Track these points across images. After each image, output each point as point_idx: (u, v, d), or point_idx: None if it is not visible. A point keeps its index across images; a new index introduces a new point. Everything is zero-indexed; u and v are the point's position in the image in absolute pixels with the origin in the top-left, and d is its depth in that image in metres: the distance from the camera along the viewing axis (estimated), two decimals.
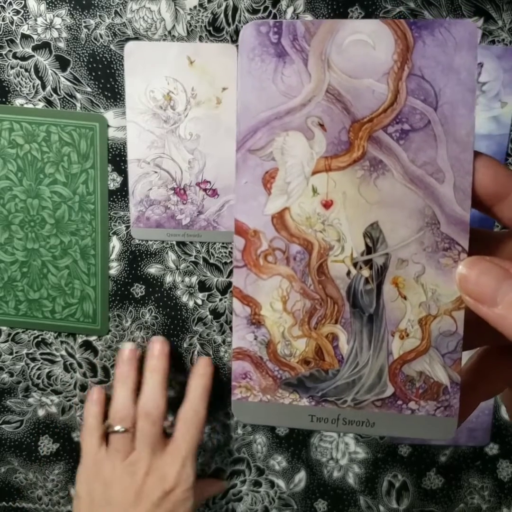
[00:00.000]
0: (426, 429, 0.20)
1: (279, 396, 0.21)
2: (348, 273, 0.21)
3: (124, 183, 0.56)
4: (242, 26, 0.51)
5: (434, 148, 0.19)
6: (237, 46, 0.51)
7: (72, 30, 0.52)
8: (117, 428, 0.50)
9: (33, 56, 0.53)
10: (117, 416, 0.50)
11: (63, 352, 0.60)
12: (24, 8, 0.52)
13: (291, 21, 0.20)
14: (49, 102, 0.54)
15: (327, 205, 0.20)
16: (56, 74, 0.54)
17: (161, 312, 0.59)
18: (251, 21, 0.19)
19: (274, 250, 0.20)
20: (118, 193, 0.56)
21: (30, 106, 0.54)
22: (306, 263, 0.21)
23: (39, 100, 0.54)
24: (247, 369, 0.21)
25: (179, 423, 0.51)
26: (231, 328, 0.22)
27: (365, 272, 0.20)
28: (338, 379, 0.21)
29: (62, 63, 0.53)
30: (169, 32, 0.52)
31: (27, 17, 0.52)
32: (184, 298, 0.58)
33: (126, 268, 0.58)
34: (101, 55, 0.53)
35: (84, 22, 0.52)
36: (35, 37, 0.53)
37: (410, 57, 0.19)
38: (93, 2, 0.52)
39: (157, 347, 0.54)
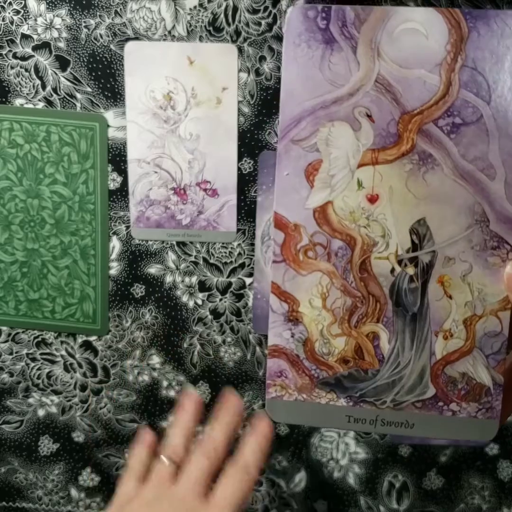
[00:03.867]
0: (466, 431, 0.20)
1: (315, 395, 0.20)
2: (392, 270, 0.20)
3: (124, 183, 0.56)
4: (242, 27, 0.51)
5: (486, 143, 0.18)
6: (237, 46, 0.51)
7: (72, 30, 0.52)
8: (164, 458, 0.42)
9: (33, 56, 0.53)
10: (168, 450, 0.43)
11: (63, 352, 0.60)
12: (24, 8, 0.52)
13: (341, 7, 0.19)
14: (49, 102, 0.54)
15: (372, 199, 0.20)
16: (56, 74, 0.54)
17: (161, 312, 0.59)
18: (297, 5, 0.18)
19: (315, 245, 0.20)
20: (118, 193, 0.56)
21: (30, 106, 0.54)
22: (348, 259, 0.20)
23: (39, 100, 0.54)
24: (283, 367, 0.20)
25: (227, 479, 0.40)
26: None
27: (410, 270, 0.20)
28: (378, 379, 0.20)
29: (62, 63, 0.53)
30: (169, 32, 0.52)
31: (27, 17, 0.52)
32: (184, 298, 0.58)
33: (126, 268, 0.58)
34: (101, 55, 0.53)
35: (84, 22, 0.52)
36: (35, 37, 0.53)
37: (464, 48, 0.18)
38: (93, 2, 0.52)
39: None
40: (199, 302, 0.58)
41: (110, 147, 0.55)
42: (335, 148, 0.20)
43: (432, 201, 0.19)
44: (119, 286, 0.58)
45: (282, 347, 0.20)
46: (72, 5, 0.52)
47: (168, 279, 0.58)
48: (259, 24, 0.51)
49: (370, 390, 0.20)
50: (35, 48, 0.53)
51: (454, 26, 0.18)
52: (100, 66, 0.53)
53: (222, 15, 0.51)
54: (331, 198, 0.19)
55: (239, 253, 0.57)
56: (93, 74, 0.53)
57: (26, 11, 0.52)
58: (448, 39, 0.18)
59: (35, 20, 0.52)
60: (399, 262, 0.20)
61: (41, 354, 0.60)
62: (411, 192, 0.19)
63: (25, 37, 0.53)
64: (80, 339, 0.60)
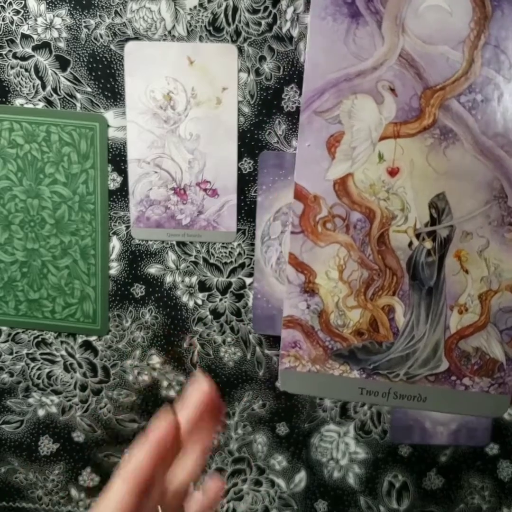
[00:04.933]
0: (478, 406, 0.20)
1: (329, 367, 0.20)
2: (410, 244, 0.20)
3: (124, 183, 0.56)
4: (242, 27, 0.51)
5: (506, 120, 0.18)
6: (237, 46, 0.51)
7: (72, 30, 0.52)
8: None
9: (33, 56, 0.53)
10: None
11: (63, 352, 0.60)
12: (24, 8, 0.52)
13: None
14: (49, 102, 0.54)
15: (393, 172, 0.19)
16: (56, 74, 0.54)
17: (161, 312, 0.59)
18: None
19: (334, 217, 0.20)
20: (118, 193, 0.56)
21: (30, 106, 0.54)
22: (367, 232, 0.20)
23: (39, 100, 0.54)
24: (297, 338, 0.20)
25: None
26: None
27: (428, 244, 0.20)
28: (392, 352, 0.20)
29: (62, 63, 0.53)
30: (169, 32, 0.52)
31: (27, 17, 0.52)
32: (184, 298, 0.58)
33: (126, 268, 0.58)
34: (101, 55, 0.53)
35: (84, 22, 0.52)
36: (35, 37, 0.53)
37: (488, 26, 0.18)
38: (93, 2, 0.52)
39: None
40: (199, 302, 0.58)
41: (110, 147, 0.55)
42: (358, 120, 0.20)
43: (452, 176, 0.19)
44: (119, 286, 0.58)
45: (297, 318, 0.21)
46: (72, 5, 0.52)
47: (168, 279, 0.58)
48: (259, 24, 0.51)
49: (383, 363, 0.21)
50: (35, 48, 0.53)
51: (478, 4, 0.18)
52: (100, 66, 0.53)
53: (222, 15, 0.51)
54: (352, 170, 0.20)
55: (239, 253, 0.57)
56: (93, 74, 0.53)
57: (26, 11, 0.52)
58: (472, 17, 0.18)
59: (35, 20, 0.52)
60: (417, 236, 0.20)
61: (41, 354, 0.60)
62: (432, 167, 0.19)
63: (25, 37, 0.53)
64: (80, 339, 0.60)
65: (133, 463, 0.24)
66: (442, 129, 0.18)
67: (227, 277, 0.57)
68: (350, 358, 0.21)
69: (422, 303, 0.20)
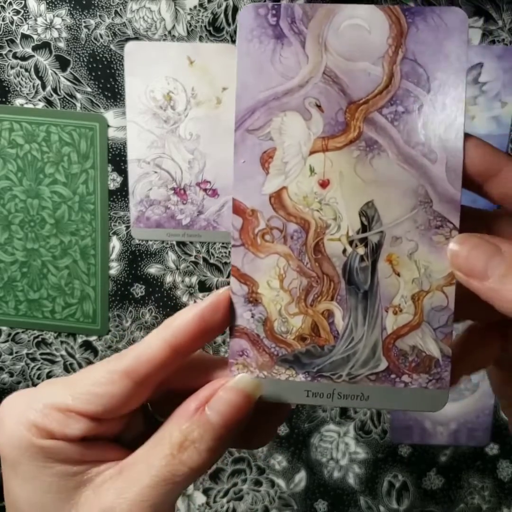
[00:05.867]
0: (418, 402, 0.21)
1: (275, 372, 0.21)
2: (344, 251, 0.21)
3: (124, 183, 0.56)
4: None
5: (427, 129, 0.20)
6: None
7: (72, 30, 0.52)
8: None
9: (33, 56, 0.53)
10: None
11: (63, 352, 0.60)
12: (24, 8, 0.52)
13: (289, 4, 0.20)
14: (49, 102, 0.54)
15: (324, 184, 0.21)
16: (56, 74, 0.54)
17: (161, 312, 0.59)
18: (249, 4, 0.19)
19: (272, 229, 0.21)
20: (118, 193, 0.56)
21: (30, 106, 0.54)
22: (303, 241, 0.21)
23: (39, 100, 0.54)
24: (244, 347, 0.21)
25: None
26: (230, 328, 0.22)
27: (361, 250, 0.21)
28: (334, 355, 0.21)
29: (62, 63, 0.53)
30: (169, 32, 0.52)
31: (27, 17, 0.52)
32: (184, 298, 0.58)
33: (126, 268, 0.58)
34: (101, 55, 0.53)
35: (84, 22, 0.52)
36: (35, 37, 0.53)
37: (404, 41, 0.20)
38: (93, 2, 0.52)
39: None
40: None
41: (110, 147, 0.55)
42: (288, 136, 0.21)
43: (379, 185, 0.20)
44: (119, 286, 0.58)
45: (243, 327, 0.22)
46: (72, 5, 0.52)
47: (168, 279, 0.58)
48: None
49: (326, 365, 0.21)
50: (35, 48, 0.53)
51: (394, 21, 0.20)
52: (100, 66, 0.53)
53: (222, 15, 0.51)
54: (286, 184, 0.21)
55: None
56: (93, 74, 0.53)
57: (26, 11, 0.52)
58: (390, 33, 0.20)
59: (35, 20, 0.52)
60: (350, 243, 0.21)
61: (41, 354, 0.60)
62: (359, 177, 0.20)
63: (25, 37, 0.53)
64: (80, 339, 0.60)
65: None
66: (367, 141, 0.20)
67: (227, 277, 0.57)
68: (295, 363, 0.21)
69: (359, 306, 0.21)
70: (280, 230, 0.21)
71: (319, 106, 0.20)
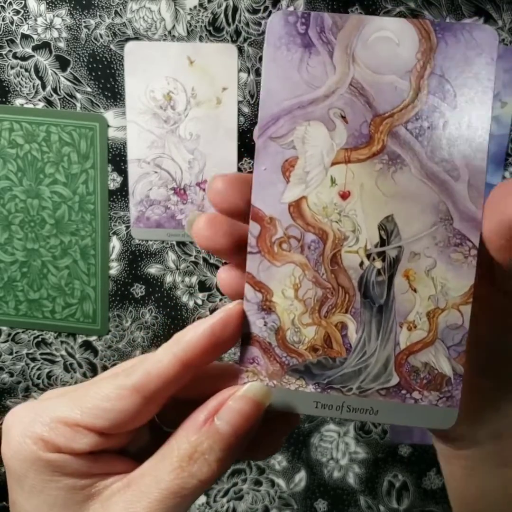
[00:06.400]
0: (427, 418, 0.21)
1: (285, 382, 0.21)
2: (361, 264, 0.21)
3: (124, 183, 0.56)
4: (242, 27, 0.51)
5: (451, 146, 0.20)
6: (237, 46, 0.51)
7: (72, 30, 0.52)
8: None
9: (33, 56, 0.53)
10: None
11: (63, 352, 0.60)
12: (24, 8, 0.52)
13: (319, 14, 0.20)
14: (49, 102, 0.54)
15: (344, 196, 0.21)
16: (56, 74, 0.54)
17: (161, 312, 0.59)
18: (279, 10, 0.19)
19: (289, 238, 0.21)
20: (118, 193, 0.56)
21: (30, 106, 0.54)
22: (320, 252, 0.21)
23: (39, 100, 0.54)
24: (255, 354, 0.21)
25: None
26: (242, 335, 0.22)
27: (378, 264, 0.21)
28: (345, 367, 0.21)
29: (62, 63, 0.53)
30: (169, 32, 0.52)
31: (27, 17, 0.52)
32: (184, 298, 0.58)
33: (126, 268, 0.58)
34: (101, 55, 0.53)
35: (84, 22, 0.52)
36: (35, 37, 0.53)
37: (433, 56, 0.20)
38: (93, 2, 0.52)
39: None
40: (199, 302, 0.58)
41: (110, 147, 0.55)
42: (311, 146, 0.21)
43: (400, 199, 0.20)
44: (119, 286, 0.58)
45: (255, 335, 0.22)
46: (72, 5, 0.52)
47: (168, 279, 0.58)
48: (259, 24, 0.51)
49: (337, 378, 0.21)
50: (35, 48, 0.53)
51: (424, 36, 0.20)
52: (100, 66, 0.53)
53: (222, 15, 0.51)
54: (306, 193, 0.21)
55: None
56: (93, 74, 0.53)
57: (26, 11, 0.52)
58: (419, 48, 0.20)
59: (35, 20, 0.52)
60: (368, 256, 0.21)
61: (41, 354, 0.60)
62: (381, 190, 0.20)
63: (25, 37, 0.53)
64: (80, 339, 0.60)
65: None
66: (390, 154, 0.20)
67: None
68: (305, 373, 0.21)
69: (373, 320, 0.21)
70: (298, 240, 0.21)
71: (343, 117, 0.20)
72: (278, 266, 0.21)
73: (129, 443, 0.23)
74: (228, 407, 0.21)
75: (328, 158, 0.20)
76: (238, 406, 0.21)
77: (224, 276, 0.23)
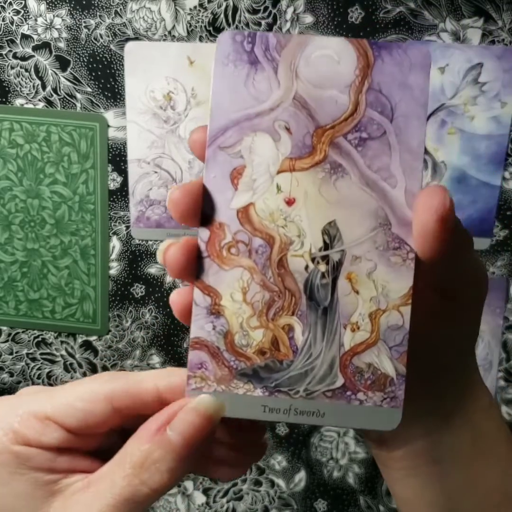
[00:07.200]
0: (373, 420, 0.22)
1: (233, 386, 0.22)
2: (306, 267, 0.22)
3: (124, 183, 0.56)
4: (242, 27, 0.51)
5: (389, 155, 0.22)
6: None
7: (72, 30, 0.52)
8: None
9: (33, 56, 0.53)
10: None
11: (63, 352, 0.60)
12: (24, 8, 0.52)
13: (264, 33, 0.22)
14: (49, 102, 0.54)
15: (289, 202, 0.22)
16: (56, 74, 0.54)
17: (161, 312, 0.59)
18: (227, 30, 0.21)
19: (238, 243, 0.22)
20: (118, 193, 0.56)
21: (30, 106, 0.54)
22: (267, 256, 0.22)
23: (39, 100, 0.54)
24: (203, 359, 0.22)
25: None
26: (190, 340, 0.22)
27: (322, 267, 0.22)
28: (292, 370, 0.22)
29: (62, 63, 0.53)
30: (169, 32, 0.52)
31: (27, 17, 0.52)
32: None
33: (126, 268, 0.58)
34: (101, 55, 0.53)
35: (84, 22, 0.52)
36: (35, 37, 0.53)
37: (370, 73, 0.21)
38: (93, 2, 0.52)
39: None
40: None
41: (110, 147, 0.55)
42: (257, 155, 0.22)
43: (342, 206, 0.22)
44: (119, 286, 0.58)
45: (203, 340, 0.22)
46: (72, 5, 0.52)
47: (168, 279, 0.58)
48: (259, 24, 0.51)
49: (284, 380, 0.22)
50: (35, 48, 0.53)
51: (361, 54, 0.21)
52: (100, 66, 0.53)
53: (222, 15, 0.51)
54: (253, 200, 0.22)
55: None
56: (93, 74, 0.53)
57: (26, 11, 0.52)
58: (357, 65, 0.21)
59: (35, 20, 0.52)
60: (313, 260, 0.22)
61: (41, 354, 0.61)
62: (324, 197, 0.22)
63: (25, 37, 0.53)
64: (80, 339, 0.60)
65: None
66: (332, 163, 0.21)
67: None
68: (253, 377, 0.22)
69: (319, 322, 0.22)
70: (246, 244, 0.22)
71: (288, 129, 0.21)
72: (226, 270, 0.22)
73: (99, 444, 0.23)
74: (179, 418, 0.21)
75: (274, 167, 0.22)
76: (189, 418, 0.21)
77: (177, 299, 0.23)
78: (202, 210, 0.22)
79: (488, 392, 0.27)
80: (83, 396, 0.22)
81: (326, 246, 0.21)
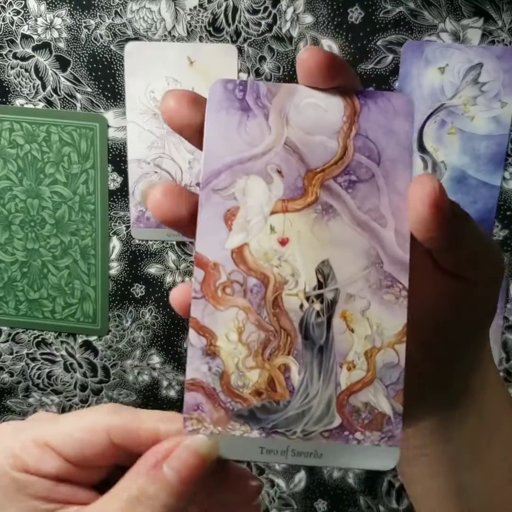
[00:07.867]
0: (370, 460, 0.22)
1: (230, 428, 0.21)
2: (301, 306, 0.22)
3: (124, 183, 0.56)
4: (242, 27, 0.51)
5: (378, 197, 0.22)
6: (237, 46, 0.52)
7: (72, 30, 0.52)
8: None
9: (33, 56, 0.53)
10: None
11: (63, 352, 0.60)
12: (24, 8, 0.52)
13: (255, 82, 0.23)
14: (49, 102, 0.54)
15: (283, 242, 0.22)
16: (56, 74, 0.54)
17: (161, 312, 0.59)
18: (219, 79, 0.22)
19: (232, 283, 0.22)
20: (118, 193, 0.56)
21: (30, 106, 0.54)
22: (262, 296, 0.22)
23: (39, 100, 0.54)
24: (200, 401, 0.22)
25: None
26: (186, 382, 0.22)
27: (317, 306, 0.22)
28: (289, 410, 0.21)
29: (62, 63, 0.53)
30: (169, 32, 0.52)
31: (27, 17, 0.52)
32: None
33: (126, 268, 0.58)
34: (101, 55, 0.53)
35: (84, 22, 0.52)
36: (35, 37, 0.53)
37: (357, 120, 0.22)
38: (93, 2, 0.52)
39: None
40: None
41: (110, 147, 0.55)
42: (251, 197, 0.22)
43: (334, 245, 0.22)
44: (119, 286, 0.58)
45: (199, 381, 0.22)
46: (72, 5, 0.52)
47: (168, 279, 0.58)
48: (259, 24, 0.51)
49: (281, 421, 0.22)
50: (35, 48, 0.53)
51: (348, 103, 0.22)
52: (100, 66, 0.53)
53: (222, 16, 0.51)
54: (247, 240, 0.22)
55: None
56: (93, 74, 0.53)
57: (26, 12, 0.52)
58: (344, 112, 0.22)
59: (35, 20, 0.52)
60: (307, 299, 0.22)
61: (41, 354, 0.61)
62: (316, 237, 0.22)
63: (25, 37, 0.53)
64: (80, 339, 0.60)
65: None
66: (323, 205, 0.22)
67: None
68: (250, 418, 0.22)
69: (315, 361, 0.22)
70: (241, 284, 0.22)
71: (280, 172, 0.22)
72: (221, 310, 0.22)
73: (99, 478, 0.23)
74: (175, 456, 0.21)
75: (267, 208, 0.22)
76: (184, 457, 0.21)
77: (177, 297, 0.23)
78: (196, 250, 0.22)
79: (495, 368, 0.27)
80: (82, 426, 0.22)
81: (320, 285, 0.22)
